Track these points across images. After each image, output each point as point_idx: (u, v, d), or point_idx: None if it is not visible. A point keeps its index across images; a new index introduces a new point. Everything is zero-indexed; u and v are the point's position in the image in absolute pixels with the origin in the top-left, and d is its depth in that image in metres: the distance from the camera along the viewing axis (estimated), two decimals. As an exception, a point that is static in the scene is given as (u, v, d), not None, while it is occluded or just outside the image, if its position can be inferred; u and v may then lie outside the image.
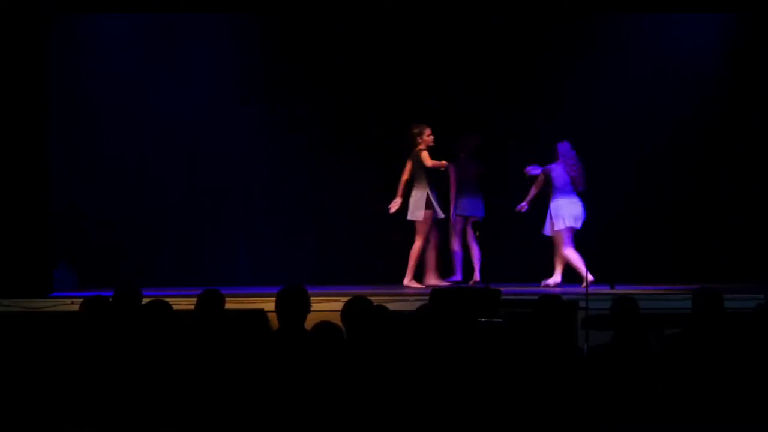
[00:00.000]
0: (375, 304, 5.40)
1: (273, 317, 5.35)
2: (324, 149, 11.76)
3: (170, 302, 5.62)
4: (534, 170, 10.47)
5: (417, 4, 10.82)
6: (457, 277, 10.80)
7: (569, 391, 5.01)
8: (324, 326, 5.10)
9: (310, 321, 5.25)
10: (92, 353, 5.28)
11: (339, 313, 5.36)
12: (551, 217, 10.38)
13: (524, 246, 11.40)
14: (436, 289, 8.55)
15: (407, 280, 10.47)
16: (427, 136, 10.35)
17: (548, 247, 11.25)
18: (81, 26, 11.18)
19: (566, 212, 10.32)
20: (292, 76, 11.60)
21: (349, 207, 11.72)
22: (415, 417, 4.81)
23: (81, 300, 6.09)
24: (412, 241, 10.62)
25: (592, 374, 5.12)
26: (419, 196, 10.35)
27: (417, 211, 10.35)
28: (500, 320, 7.17)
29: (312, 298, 5.41)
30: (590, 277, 9.13)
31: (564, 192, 10.36)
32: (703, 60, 11.48)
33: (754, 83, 11.31)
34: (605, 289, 9.48)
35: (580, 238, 10.42)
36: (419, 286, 10.39)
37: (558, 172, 10.39)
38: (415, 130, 10.38)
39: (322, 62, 11.56)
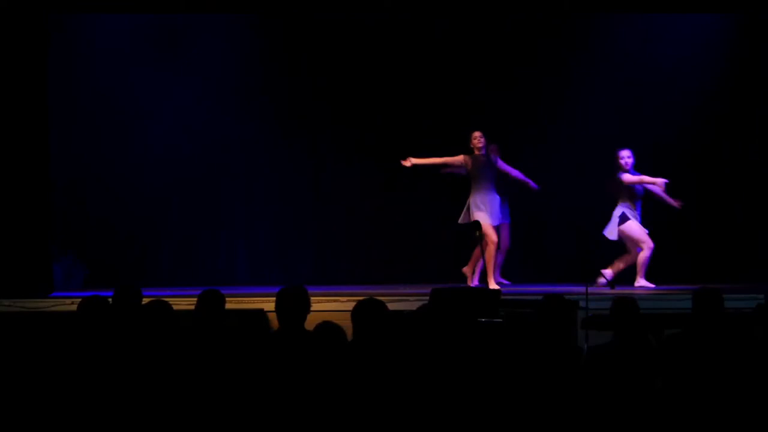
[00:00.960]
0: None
1: (273, 317, 5.35)
2: (324, 149, 11.77)
3: (170, 302, 5.62)
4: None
5: (417, 5, 10.81)
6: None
7: (569, 391, 5.01)
8: (326, 326, 5.09)
9: (311, 321, 5.25)
10: (92, 353, 5.27)
11: (339, 313, 5.36)
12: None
13: (525, 246, 11.39)
14: (436, 289, 8.53)
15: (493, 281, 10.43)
16: (473, 140, 10.33)
17: (547, 248, 11.25)
18: (81, 26, 11.18)
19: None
20: (293, 76, 11.61)
21: (349, 207, 11.72)
22: (415, 417, 4.81)
23: (81, 300, 6.09)
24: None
25: (592, 374, 5.12)
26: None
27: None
28: (500, 320, 7.16)
29: (312, 298, 5.42)
30: (602, 280, 9.23)
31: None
32: (703, 60, 11.47)
33: (754, 83, 11.30)
34: (605, 289, 9.48)
35: (583, 239, 10.46)
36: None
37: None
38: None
39: (322, 63, 11.57)
